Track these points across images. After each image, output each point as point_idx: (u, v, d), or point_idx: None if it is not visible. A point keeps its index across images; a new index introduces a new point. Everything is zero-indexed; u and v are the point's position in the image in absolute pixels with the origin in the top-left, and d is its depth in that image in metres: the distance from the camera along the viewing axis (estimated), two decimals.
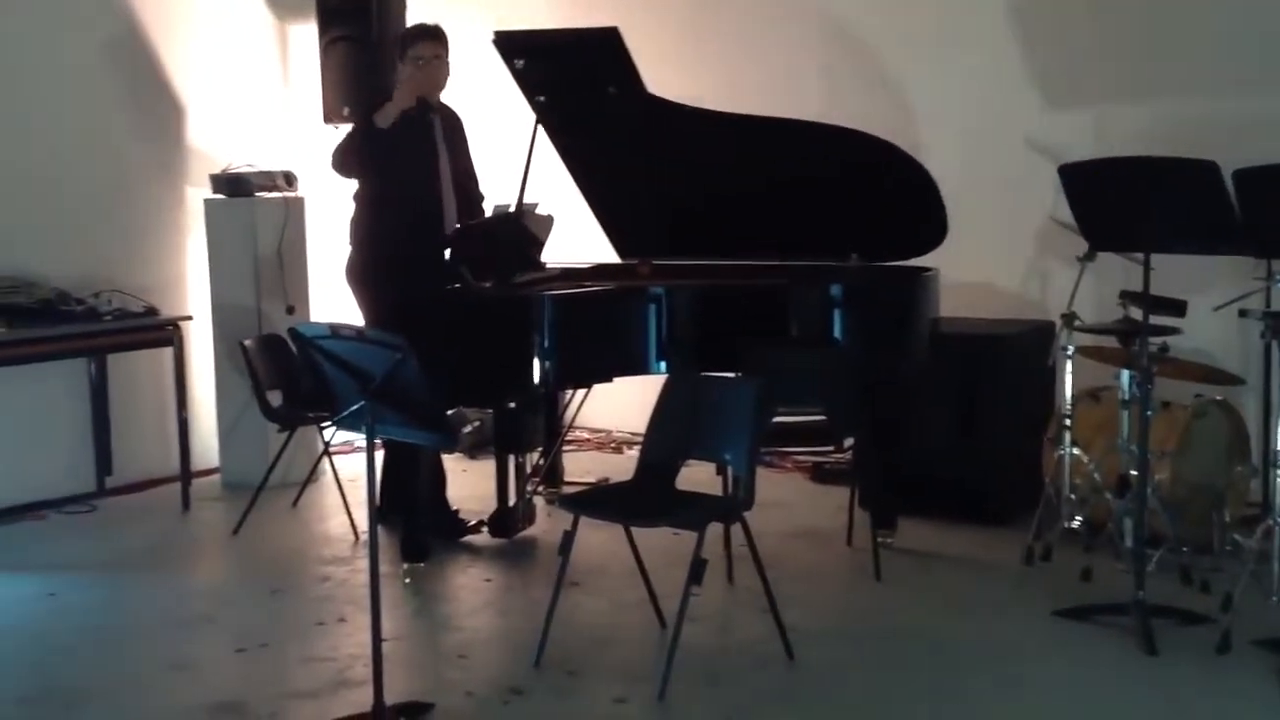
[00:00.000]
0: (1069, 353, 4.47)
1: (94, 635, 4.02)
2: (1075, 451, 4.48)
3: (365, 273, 4.91)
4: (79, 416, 5.60)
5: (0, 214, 5.29)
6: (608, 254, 5.33)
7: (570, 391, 5.45)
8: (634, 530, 3.84)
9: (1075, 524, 4.49)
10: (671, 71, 4.99)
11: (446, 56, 4.85)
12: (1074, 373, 4.48)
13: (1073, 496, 4.50)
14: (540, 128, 4.82)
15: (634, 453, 5.76)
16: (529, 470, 5.06)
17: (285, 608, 4.26)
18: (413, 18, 5.97)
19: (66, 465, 5.54)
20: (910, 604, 4.19)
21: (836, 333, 4.48)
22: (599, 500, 4.05)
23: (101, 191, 5.68)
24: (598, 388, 5.03)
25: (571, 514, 3.69)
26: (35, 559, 4.80)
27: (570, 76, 4.75)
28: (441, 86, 4.89)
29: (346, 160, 4.80)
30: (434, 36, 4.83)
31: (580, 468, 5.76)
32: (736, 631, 4.00)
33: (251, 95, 6.25)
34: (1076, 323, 4.44)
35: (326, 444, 5.27)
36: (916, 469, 4.85)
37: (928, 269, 4.75)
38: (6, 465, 5.30)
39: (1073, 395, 4.50)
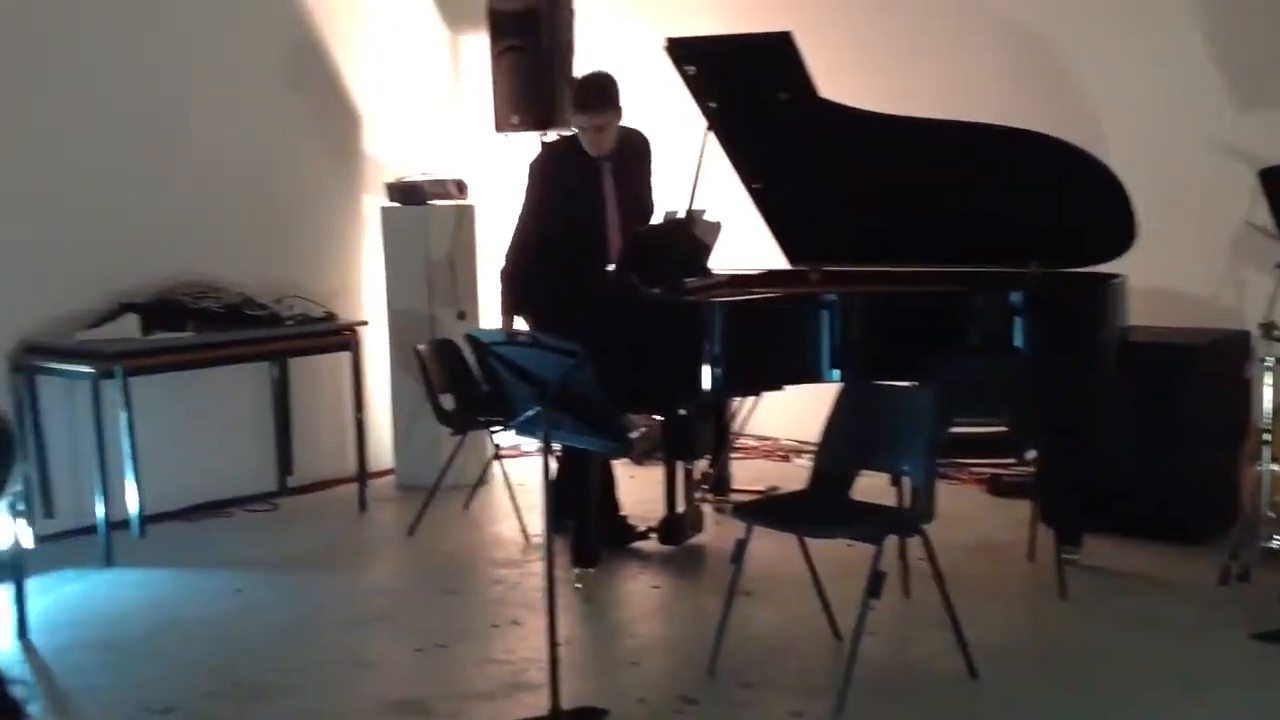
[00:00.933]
0: (1268, 364, 4.24)
1: (278, 631, 4.15)
2: (1275, 468, 4.26)
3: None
4: (262, 418, 5.80)
5: (190, 223, 5.53)
6: (777, 260, 5.27)
7: (739, 399, 5.41)
8: (806, 540, 3.79)
9: (1275, 544, 4.27)
10: (845, 75, 4.90)
11: (611, 114, 4.69)
12: (1274, 385, 4.25)
13: (1272, 515, 4.28)
14: (711, 134, 4.80)
15: (802, 461, 5.75)
16: (697, 477, 5.04)
17: (460, 609, 4.33)
18: (581, 28, 6.04)
19: (251, 465, 5.75)
20: (1098, 623, 4.03)
21: (1019, 342, 4.34)
22: (774, 510, 3.99)
23: (283, 200, 5.88)
24: (765, 395, 4.98)
25: (745, 523, 3.66)
26: (223, 555, 4.98)
27: (742, 82, 4.71)
28: (608, 146, 4.75)
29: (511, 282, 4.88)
30: (591, 108, 4.65)
31: (748, 475, 5.71)
32: (915, 647, 3.90)
33: (425, 105, 6.39)
34: (1276, 333, 4.22)
35: (497, 447, 5.36)
36: (1103, 483, 4.66)
37: (1116, 275, 4.57)
38: (195, 464, 5.53)
39: (1272, 408, 4.27)
